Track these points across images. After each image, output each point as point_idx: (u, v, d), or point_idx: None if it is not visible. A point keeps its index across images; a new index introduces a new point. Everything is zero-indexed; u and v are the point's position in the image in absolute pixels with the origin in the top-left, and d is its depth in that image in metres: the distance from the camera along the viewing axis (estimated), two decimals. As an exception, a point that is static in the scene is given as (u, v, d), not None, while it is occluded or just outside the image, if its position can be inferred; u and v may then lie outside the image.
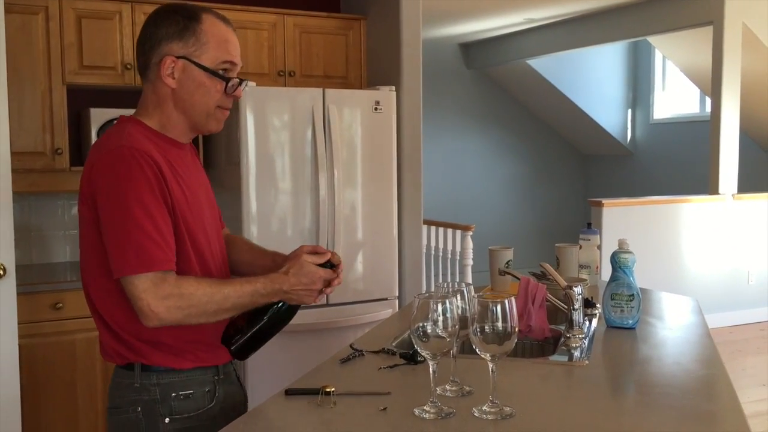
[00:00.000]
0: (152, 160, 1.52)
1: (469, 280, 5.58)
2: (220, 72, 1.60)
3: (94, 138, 3.49)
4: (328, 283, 1.64)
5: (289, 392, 1.59)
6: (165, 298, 1.48)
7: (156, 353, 1.59)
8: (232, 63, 1.62)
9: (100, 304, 1.59)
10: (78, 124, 3.68)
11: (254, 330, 1.64)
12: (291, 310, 1.67)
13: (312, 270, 1.61)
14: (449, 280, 5.66)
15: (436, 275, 5.91)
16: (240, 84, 1.64)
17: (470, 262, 5.66)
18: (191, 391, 1.62)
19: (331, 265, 1.65)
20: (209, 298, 1.52)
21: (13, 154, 2.93)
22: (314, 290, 1.62)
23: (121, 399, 1.62)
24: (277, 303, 1.63)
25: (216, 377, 1.67)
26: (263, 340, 1.68)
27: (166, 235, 1.51)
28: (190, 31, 1.58)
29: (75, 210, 3.87)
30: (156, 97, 1.63)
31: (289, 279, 1.59)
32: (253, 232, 3.41)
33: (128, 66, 3.54)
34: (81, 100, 3.65)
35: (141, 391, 1.60)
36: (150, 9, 3.56)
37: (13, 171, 2.93)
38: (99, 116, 3.48)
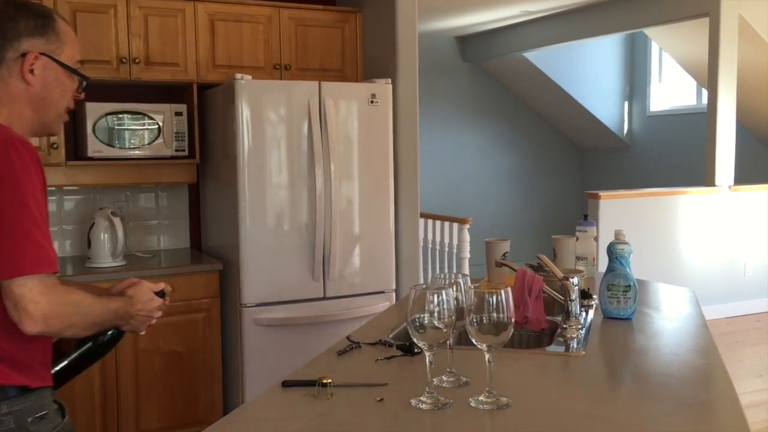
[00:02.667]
0: (39, 157, 1.45)
1: (467, 272, 5.58)
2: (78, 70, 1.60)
3: (90, 132, 3.48)
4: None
5: (286, 384, 1.59)
6: (56, 303, 1.39)
7: (12, 372, 1.44)
8: (81, 63, 1.63)
9: None
10: (74, 119, 3.67)
11: (77, 354, 1.64)
12: (114, 341, 1.67)
13: (152, 297, 1.64)
14: (446, 272, 5.66)
15: (433, 268, 5.91)
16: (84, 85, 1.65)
17: (467, 254, 5.67)
18: (45, 411, 1.50)
19: (163, 294, 1.68)
20: (90, 309, 1.48)
21: (8, 148, 2.92)
22: (151, 317, 1.64)
23: None
24: (106, 330, 1.62)
25: (53, 396, 1.57)
26: (81, 367, 1.67)
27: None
28: (50, 28, 1.56)
29: (71, 205, 3.86)
30: (6, 94, 1.52)
31: (135, 304, 1.60)
32: (248, 226, 3.41)
33: (123, 60, 3.53)
34: (76, 94, 3.63)
35: None
36: (146, 2, 3.57)
37: (9, 165, 2.92)
38: (95, 110, 3.47)
